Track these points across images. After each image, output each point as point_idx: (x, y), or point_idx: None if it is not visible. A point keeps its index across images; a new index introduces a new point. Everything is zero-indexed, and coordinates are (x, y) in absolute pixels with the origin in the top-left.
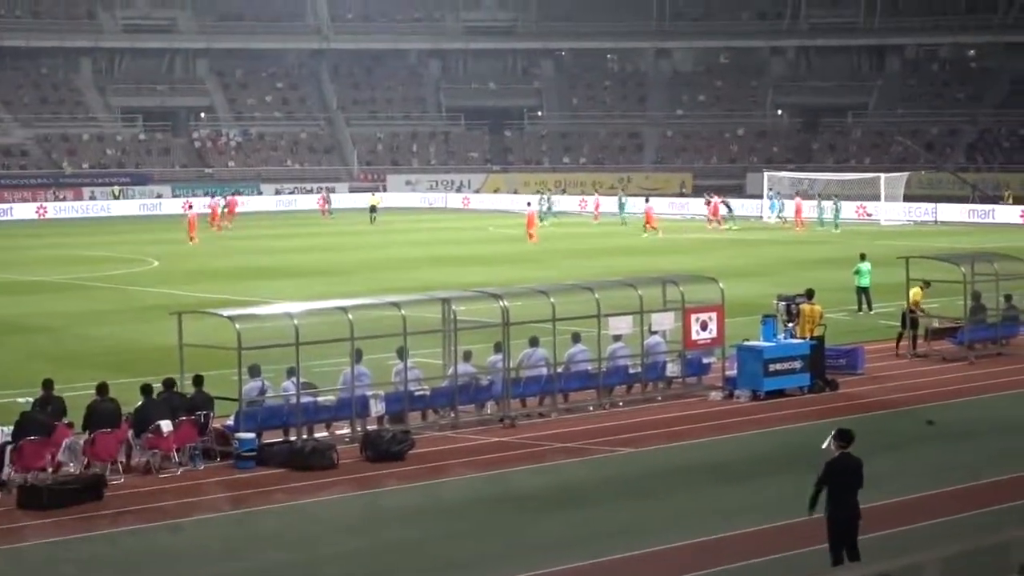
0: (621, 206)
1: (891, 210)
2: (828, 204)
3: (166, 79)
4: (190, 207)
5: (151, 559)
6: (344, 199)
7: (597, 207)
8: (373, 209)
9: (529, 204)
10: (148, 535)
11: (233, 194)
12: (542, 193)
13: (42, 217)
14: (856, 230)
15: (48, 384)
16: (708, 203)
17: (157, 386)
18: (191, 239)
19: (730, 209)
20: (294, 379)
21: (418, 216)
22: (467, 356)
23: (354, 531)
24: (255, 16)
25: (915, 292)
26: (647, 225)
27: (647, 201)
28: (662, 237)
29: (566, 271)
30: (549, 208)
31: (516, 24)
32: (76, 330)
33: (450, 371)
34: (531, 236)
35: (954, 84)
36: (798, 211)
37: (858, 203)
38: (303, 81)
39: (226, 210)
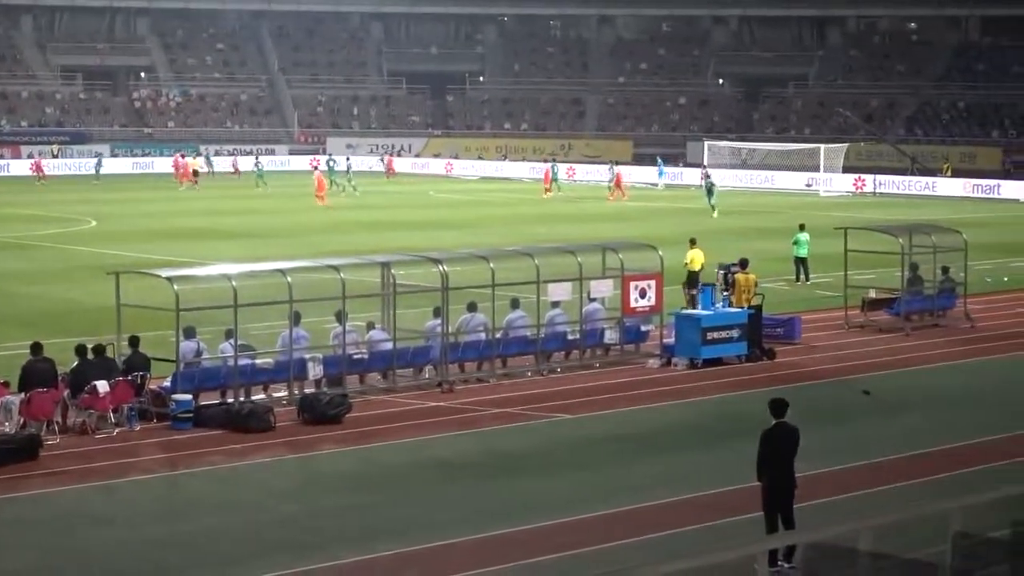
0: (342, 169)
1: (831, 181)
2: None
3: (107, 38)
4: None
5: (85, 520)
6: (283, 162)
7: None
8: (195, 173)
9: (316, 168)
10: (83, 496)
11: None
12: (330, 156)
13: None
14: (796, 200)
15: None
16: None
17: (91, 345)
18: None
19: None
20: (232, 341)
21: (359, 179)
22: (371, 325)
23: (290, 495)
24: None
25: (695, 256)
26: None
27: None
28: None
29: (505, 237)
30: (348, 170)
31: None
32: (9, 288)
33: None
34: (320, 199)
35: (894, 56)
36: (618, 180)
37: (797, 174)
38: (244, 42)
39: None
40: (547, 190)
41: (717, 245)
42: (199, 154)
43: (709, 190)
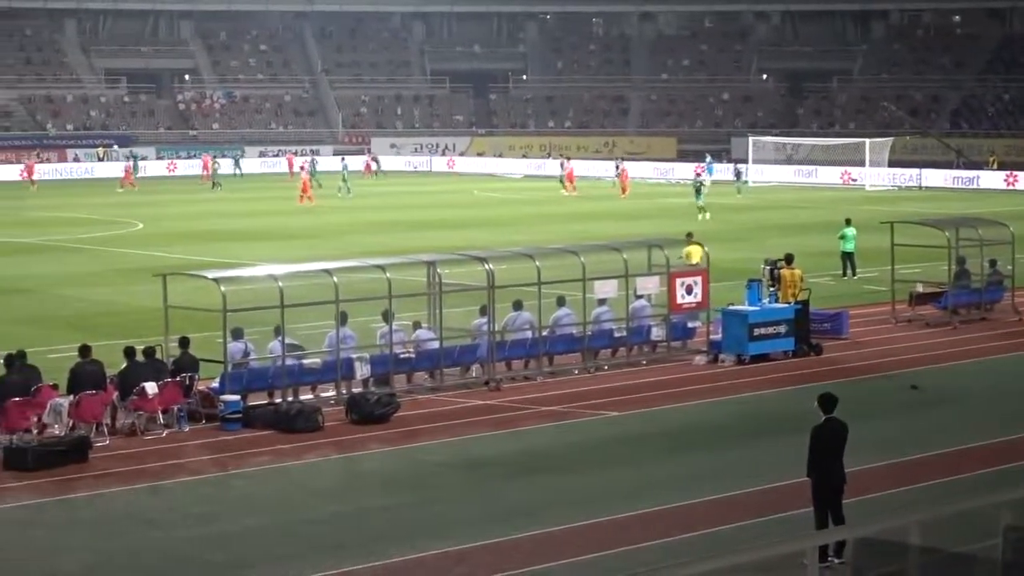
0: (327, 170)
1: (876, 175)
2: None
3: (150, 41)
4: None
5: (136, 521)
6: (328, 162)
7: (571, 174)
8: (213, 173)
9: (302, 168)
10: (133, 497)
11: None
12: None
13: (26, 178)
14: (841, 195)
15: (17, 357)
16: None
17: (141, 347)
18: None
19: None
20: (280, 340)
21: (403, 179)
22: (417, 324)
23: (338, 495)
24: None
25: (692, 251)
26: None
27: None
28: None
29: (550, 235)
30: (343, 170)
31: None
32: (57, 291)
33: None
34: (309, 198)
35: (938, 50)
36: (623, 177)
37: (842, 168)
38: (287, 43)
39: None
40: (569, 187)
41: (761, 241)
42: (238, 157)
43: (697, 189)
